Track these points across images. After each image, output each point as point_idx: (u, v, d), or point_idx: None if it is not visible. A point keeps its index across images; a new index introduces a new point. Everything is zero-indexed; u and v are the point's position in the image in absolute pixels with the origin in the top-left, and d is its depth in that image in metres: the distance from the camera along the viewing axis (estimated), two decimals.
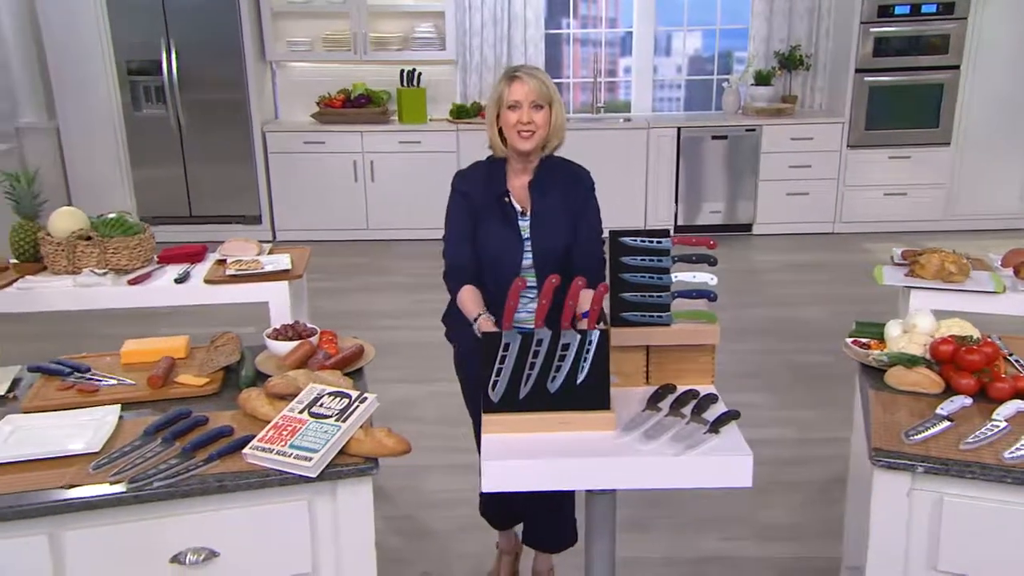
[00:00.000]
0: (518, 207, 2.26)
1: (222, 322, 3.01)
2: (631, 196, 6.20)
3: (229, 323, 3.05)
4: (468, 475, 3.11)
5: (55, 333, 4.29)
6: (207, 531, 1.69)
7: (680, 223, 6.26)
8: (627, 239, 1.99)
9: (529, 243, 2.23)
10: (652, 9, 6.52)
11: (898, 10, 5.83)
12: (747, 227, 6.30)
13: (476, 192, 2.26)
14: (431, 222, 6.12)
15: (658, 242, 1.99)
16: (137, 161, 6.04)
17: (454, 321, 2.34)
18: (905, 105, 6.03)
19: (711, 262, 2.01)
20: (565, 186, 2.28)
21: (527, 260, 2.23)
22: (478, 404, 1.92)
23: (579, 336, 1.84)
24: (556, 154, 2.32)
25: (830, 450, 3.34)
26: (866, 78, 6.00)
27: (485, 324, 2.03)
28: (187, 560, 1.68)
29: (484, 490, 1.76)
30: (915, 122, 6.06)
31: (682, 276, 2.00)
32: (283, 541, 1.73)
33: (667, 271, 1.99)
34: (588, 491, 1.96)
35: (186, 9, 5.73)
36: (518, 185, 2.27)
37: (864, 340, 2.12)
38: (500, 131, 2.24)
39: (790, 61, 6.30)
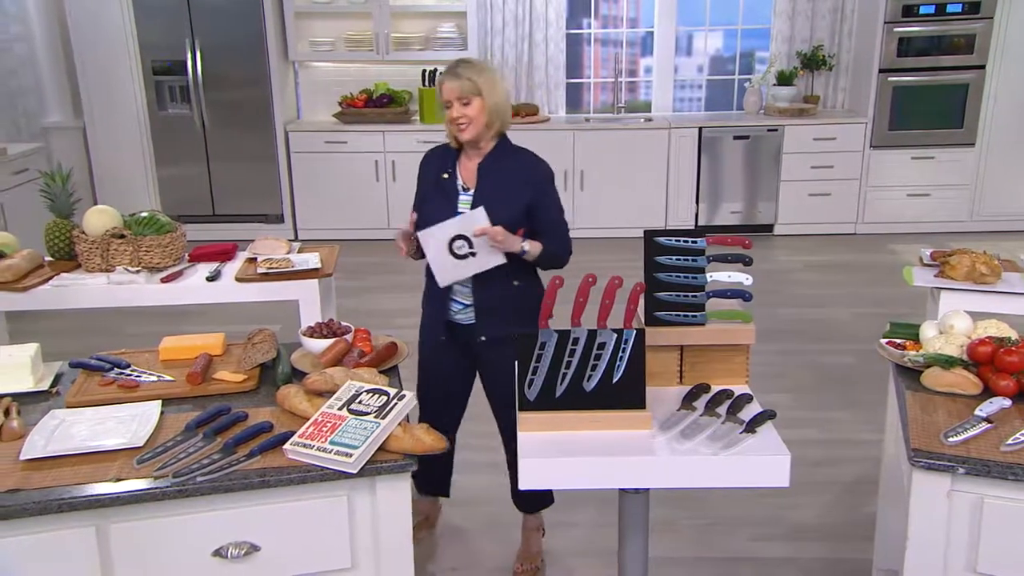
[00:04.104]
0: (462, 185, 2.42)
1: (245, 320, 3.04)
2: (652, 196, 6.20)
3: (252, 321, 3.07)
4: (491, 473, 3.13)
5: (84, 329, 4.34)
6: (248, 525, 1.71)
7: (701, 223, 6.25)
8: (662, 239, 2.00)
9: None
10: (673, 9, 6.51)
11: (923, 10, 5.79)
12: (768, 227, 6.28)
13: (428, 168, 2.50)
14: None
15: (693, 242, 1.99)
16: (162, 160, 6.10)
17: (424, 298, 2.56)
18: (929, 105, 5.99)
19: (746, 262, 2.01)
20: (514, 172, 2.40)
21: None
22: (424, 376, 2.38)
23: (615, 335, 1.85)
24: (522, 146, 2.46)
25: (858, 451, 3.33)
26: (890, 78, 5.96)
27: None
28: (229, 554, 1.71)
29: (522, 487, 1.77)
30: (939, 122, 6.01)
31: (717, 276, 2.00)
32: (322, 536, 1.75)
33: (702, 271, 1.99)
34: (621, 490, 1.96)
35: (211, 9, 5.78)
36: (470, 166, 2.43)
37: (899, 341, 2.12)
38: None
39: (813, 61, 6.27)
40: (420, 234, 2.32)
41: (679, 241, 1.99)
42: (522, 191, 2.38)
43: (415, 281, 5.19)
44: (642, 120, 6.39)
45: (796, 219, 6.21)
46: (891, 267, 5.57)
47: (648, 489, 1.96)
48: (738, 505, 2.94)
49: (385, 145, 6.07)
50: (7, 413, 1.86)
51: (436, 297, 2.48)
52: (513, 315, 2.31)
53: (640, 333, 1.85)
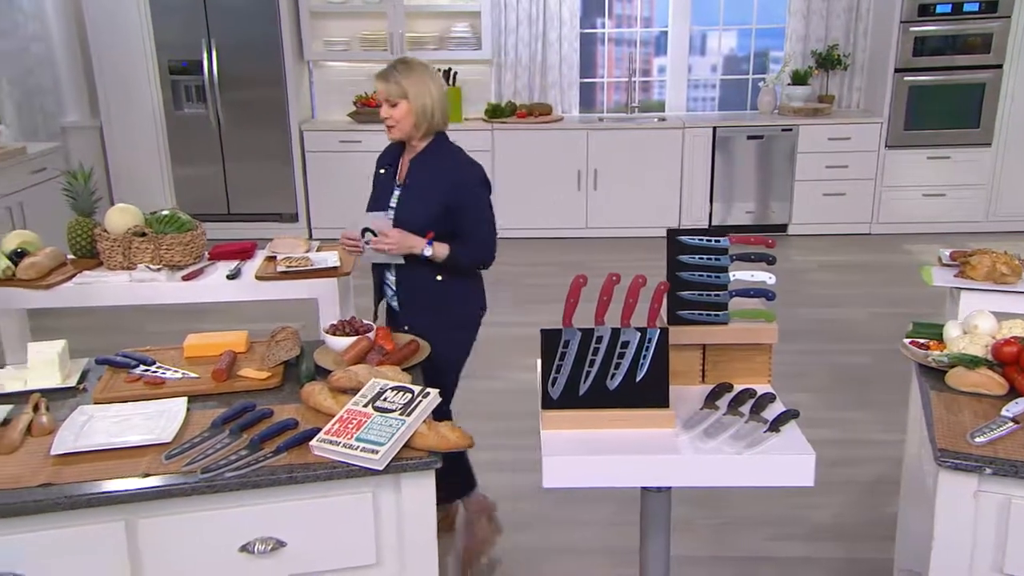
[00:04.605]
0: (398, 180, 2.54)
1: (261, 318, 3.05)
2: (665, 196, 6.19)
3: (268, 319, 3.09)
4: (514, 471, 3.14)
5: (105, 327, 4.37)
6: (275, 521, 1.72)
7: (715, 223, 6.24)
8: (685, 237, 2.00)
9: (393, 212, 2.51)
10: (687, 8, 6.50)
11: (939, 9, 5.77)
12: (782, 227, 6.26)
13: (379, 163, 2.64)
14: None
15: (716, 241, 1.99)
16: (178, 159, 6.13)
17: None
18: (945, 105, 5.96)
19: (769, 261, 2.01)
20: (441, 172, 2.46)
21: (390, 222, 2.49)
22: None
23: (639, 334, 1.85)
24: (459, 147, 2.53)
25: (875, 451, 3.32)
26: (905, 77, 5.94)
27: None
28: (255, 549, 1.72)
29: (546, 486, 1.77)
30: (955, 122, 5.99)
31: (740, 275, 2.00)
32: (348, 532, 1.76)
33: (725, 270, 2.00)
34: (643, 489, 1.97)
35: (227, 9, 5.81)
36: (405, 162, 2.54)
37: (922, 341, 2.11)
38: None
39: (827, 61, 6.26)
40: (358, 215, 2.53)
41: (702, 240, 1.99)
42: (444, 191, 2.44)
43: None
44: (656, 120, 6.38)
45: (810, 219, 6.20)
46: (906, 267, 5.55)
47: (670, 488, 1.96)
48: (755, 505, 2.94)
49: None
50: (36, 409, 1.88)
51: (376, 282, 2.66)
52: (434, 309, 2.47)
53: (664, 332, 1.85)
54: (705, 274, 1.99)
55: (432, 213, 2.44)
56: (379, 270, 2.63)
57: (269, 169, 6.14)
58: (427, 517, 1.79)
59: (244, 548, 1.71)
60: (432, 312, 2.49)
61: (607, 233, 6.23)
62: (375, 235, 2.45)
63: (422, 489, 1.77)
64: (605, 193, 6.18)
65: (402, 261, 2.49)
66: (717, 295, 2.00)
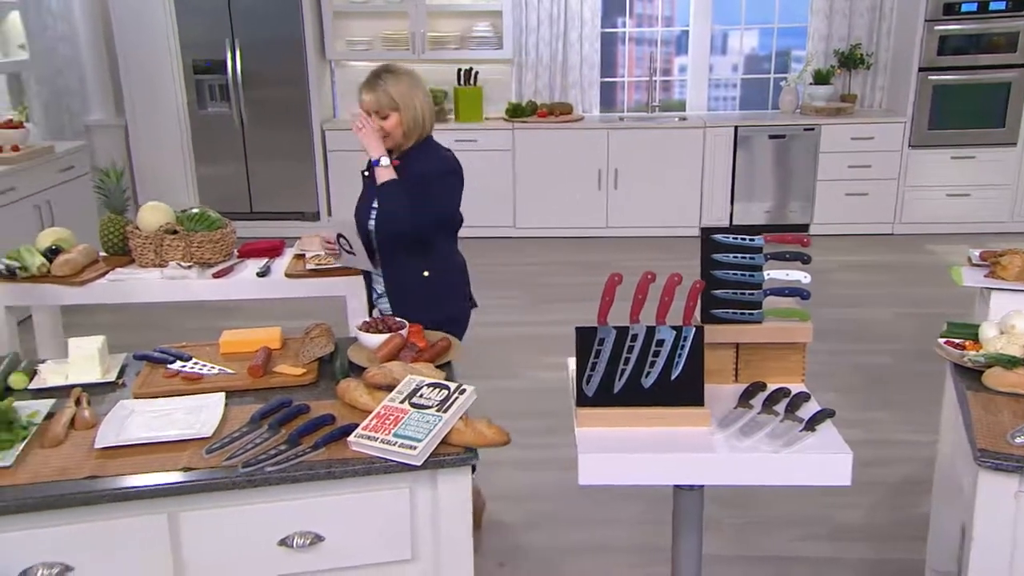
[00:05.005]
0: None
1: (279, 316, 3.05)
2: (686, 196, 6.18)
3: (292, 317, 3.11)
4: (535, 470, 3.15)
5: (133, 324, 4.42)
6: (313, 516, 1.74)
7: (735, 223, 6.22)
8: (720, 236, 2.00)
9: (375, 212, 2.53)
10: (709, 8, 6.48)
11: (964, 8, 5.72)
12: (804, 227, 6.23)
13: (368, 168, 2.61)
14: (487, 219, 6.22)
15: (751, 239, 1.99)
16: (201, 158, 6.19)
17: None
18: (970, 104, 5.92)
19: (804, 260, 2.01)
20: (414, 169, 2.46)
21: (372, 222, 2.55)
22: None
23: (674, 332, 1.86)
24: (438, 144, 2.55)
25: (902, 451, 3.31)
26: (929, 77, 5.90)
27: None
28: (294, 543, 1.73)
29: (582, 483, 1.78)
30: (980, 122, 5.94)
31: (775, 274, 2.00)
32: (385, 528, 1.77)
33: (759, 268, 2.00)
34: (676, 487, 1.97)
35: (251, 9, 5.85)
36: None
37: (957, 341, 2.10)
38: None
39: (850, 60, 6.22)
40: (331, 220, 2.61)
41: (737, 239, 1.99)
42: (414, 185, 2.45)
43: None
44: (677, 119, 6.37)
45: (833, 219, 6.16)
46: (930, 268, 5.52)
47: (703, 486, 1.97)
48: (782, 504, 2.94)
49: None
50: (78, 403, 1.91)
51: (366, 284, 2.70)
52: (424, 304, 2.46)
53: (699, 330, 1.85)
54: (739, 273, 1.99)
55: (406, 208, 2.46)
56: (367, 274, 2.69)
57: (291, 168, 6.18)
58: (463, 513, 1.80)
59: (283, 542, 1.73)
60: (424, 310, 2.43)
61: (627, 233, 6.22)
62: (348, 242, 2.51)
63: (458, 485, 1.78)
64: (625, 193, 6.17)
65: (370, 268, 2.55)
66: (751, 294, 2.00)
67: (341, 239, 2.55)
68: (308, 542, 1.74)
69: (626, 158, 6.12)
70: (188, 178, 6.22)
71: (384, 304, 2.66)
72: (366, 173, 2.61)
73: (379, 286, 2.67)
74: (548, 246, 6.11)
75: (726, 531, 2.83)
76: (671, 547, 2.05)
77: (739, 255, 1.99)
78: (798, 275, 1.99)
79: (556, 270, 5.64)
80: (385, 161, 2.43)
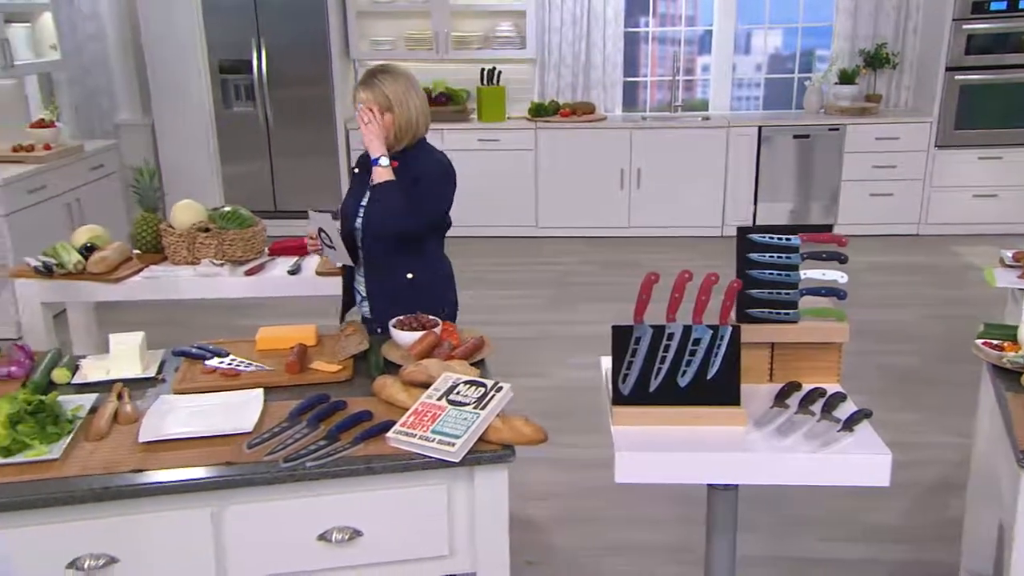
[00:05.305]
0: (371, 181, 2.49)
1: (296, 314, 3.04)
2: (709, 195, 6.16)
3: (307, 316, 3.08)
4: (563, 468, 3.16)
5: (161, 321, 4.47)
6: (352, 511, 1.75)
7: (759, 223, 6.20)
8: (756, 235, 2.00)
9: (363, 209, 2.50)
10: (733, 7, 6.46)
11: (993, 6, 5.67)
12: (828, 228, 6.19)
13: (357, 164, 2.62)
14: (509, 219, 6.23)
15: (787, 239, 1.99)
16: (226, 156, 6.24)
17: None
18: (998, 104, 5.86)
19: (841, 260, 2.00)
20: (408, 169, 2.43)
21: (359, 221, 2.52)
22: None
23: (710, 331, 1.86)
24: (433, 146, 2.54)
25: (931, 453, 3.28)
26: (956, 76, 5.84)
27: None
28: (333, 538, 1.75)
29: (618, 480, 1.79)
30: (1008, 122, 5.88)
31: (811, 273, 2.00)
32: (422, 523, 1.79)
33: (796, 268, 1.99)
34: (710, 487, 1.97)
35: (276, 9, 5.90)
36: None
37: (995, 342, 2.09)
38: None
39: (876, 59, 6.18)
40: (312, 214, 2.59)
41: (773, 238, 1.99)
42: (406, 188, 2.42)
43: (471, 278, 5.20)
44: (700, 119, 6.35)
45: (857, 219, 6.12)
46: (955, 269, 5.47)
47: (738, 486, 1.96)
48: (811, 505, 2.93)
49: (443, 143, 6.12)
50: (120, 397, 1.94)
51: (346, 286, 2.67)
52: (405, 307, 2.35)
53: (736, 330, 1.85)
54: (775, 272, 1.99)
55: (394, 209, 2.43)
56: (349, 276, 2.64)
57: (315, 166, 6.22)
58: (500, 510, 1.81)
59: (322, 537, 1.75)
60: (409, 311, 2.35)
61: (649, 232, 6.21)
62: (328, 236, 2.50)
63: (496, 482, 1.79)
64: (648, 192, 6.16)
65: (348, 262, 2.53)
66: (787, 293, 1.99)
67: (322, 233, 2.52)
68: (347, 537, 1.75)
69: (649, 158, 6.11)
70: (214, 176, 6.27)
71: (365, 309, 2.60)
72: (356, 170, 2.60)
73: (363, 288, 2.61)
74: (570, 245, 6.12)
75: (756, 531, 2.82)
76: (704, 547, 2.05)
77: (775, 254, 1.99)
78: (835, 275, 1.99)
79: (578, 269, 5.65)
80: (385, 161, 2.39)
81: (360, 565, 1.79)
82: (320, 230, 2.54)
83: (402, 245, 2.48)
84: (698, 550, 2.71)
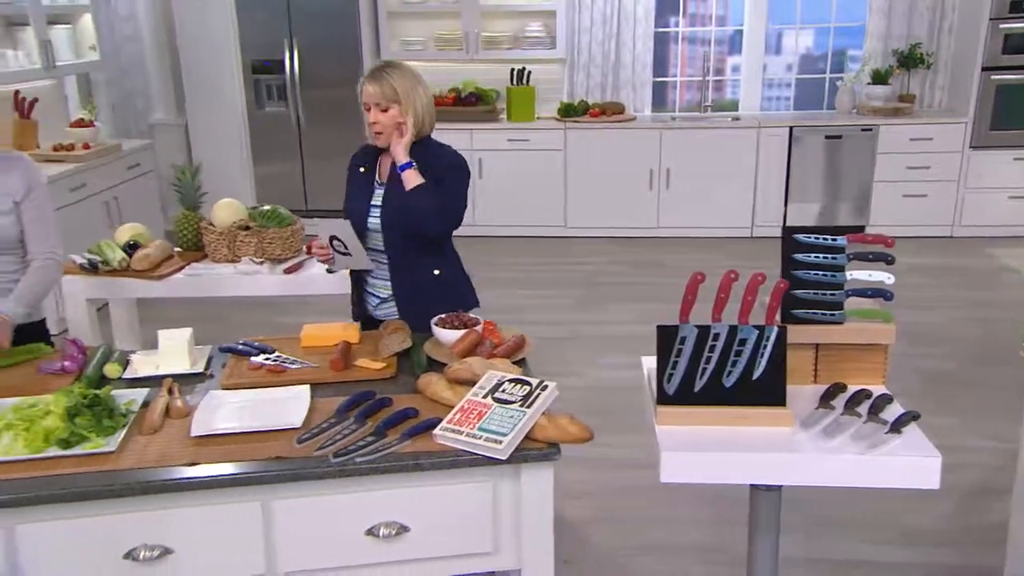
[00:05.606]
0: (378, 179, 2.53)
1: (331, 312, 3.05)
2: (738, 196, 6.13)
3: (342, 314, 3.10)
4: (597, 468, 3.16)
5: (192, 317, 4.52)
6: (399, 507, 1.77)
7: (789, 224, 6.15)
8: (802, 236, 1.99)
9: (379, 211, 2.47)
10: (764, 7, 6.42)
11: None
12: (859, 229, 6.11)
13: (354, 165, 2.64)
14: (538, 219, 6.25)
15: (833, 239, 1.98)
16: (259, 156, 6.31)
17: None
18: None
19: (888, 260, 1.99)
20: (421, 166, 2.42)
21: (374, 221, 2.49)
22: None
23: (756, 332, 1.85)
24: (439, 142, 2.53)
25: (969, 457, 3.25)
26: (992, 76, 5.77)
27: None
28: (381, 533, 1.77)
29: (664, 480, 1.79)
30: None
31: (857, 274, 1.99)
32: (467, 520, 1.80)
33: (841, 269, 1.98)
34: (752, 488, 1.97)
35: (309, 10, 5.95)
36: (387, 162, 2.52)
37: None
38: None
39: (910, 59, 6.11)
40: (316, 223, 2.55)
41: (819, 238, 1.98)
42: (427, 176, 2.41)
43: (500, 278, 5.21)
44: (729, 119, 6.32)
45: (889, 221, 6.05)
46: (990, 271, 5.40)
47: (781, 487, 1.96)
48: (848, 508, 2.91)
49: (473, 143, 6.15)
50: (170, 392, 1.97)
51: (355, 291, 2.63)
52: (435, 304, 2.37)
53: (782, 331, 1.85)
54: (821, 272, 1.98)
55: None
56: (359, 281, 2.59)
57: (346, 166, 6.25)
58: (545, 508, 1.82)
59: (370, 532, 1.77)
60: (435, 306, 2.36)
61: (678, 233, 6.19)
62: (343, 243, 2.43)
63: (541, 480, 1.80)
64: (677, 193, 6.15)
65: (369, 266, 2.48)
66: (833, 294, 1.98)
67: (334, 241, 2.46)
68: (394, 532, 1.77)
69: (678, 158, 6.09)
70: (246, 175, 6.34)
71: (388, 309, 2.55)
72: (362, 169, 2.56)
73: (382, 291, 2.55)
74: (598, 246, 6.11)
75: (792, 533, 2.81)
76: (747, 548, 2.05)
77: (820, 255, 1.98)
78: (881, 276, 1.98)
79: (607, 270, 5.64)
80: (413, 165, 2.39)
81: (406, 560, 1.80)
82: (333, 238, 2.45)
83: (427, 243, 2.49)
84: (729, 550, 2.71)
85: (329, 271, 2.88)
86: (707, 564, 2.69)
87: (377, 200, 2.50)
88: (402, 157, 2.39)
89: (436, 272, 2.51)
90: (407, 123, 2.41)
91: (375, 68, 2.44)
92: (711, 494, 2.90)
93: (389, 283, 2.53)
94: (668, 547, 2.78)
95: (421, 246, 2.49)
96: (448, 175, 2.46)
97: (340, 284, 3.04)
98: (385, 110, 2.39)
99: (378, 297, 2.56)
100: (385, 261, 2.53)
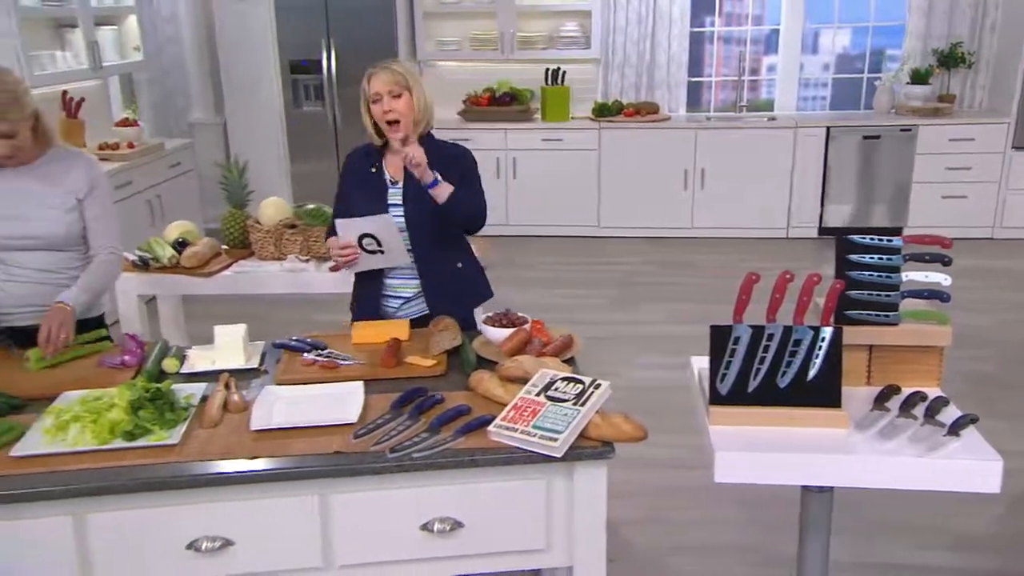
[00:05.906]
0: (390, 179, 2.50)
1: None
2: (774, 197, 6.09)
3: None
4: (637, 468, 3.15)
5: (234, 315, 4.58)
6: (454, 502, 1.79)
7: (825, 226, 6.09)
8: (857, 237, 1.98)
9: (401, 209, 2.45)
10: (801, 6, 6.37)
11: None
12: (898, 231, 6.04)
13: (353, 167, 2.58)
14: (571, 218, 6.25)
15: (888, 240, 1.97)
16: (296, 155, 6.37)
17: (354, 293, 2.66)
18: None
19: (945, 262, 1.97)
20: (441, 165, 2.40)
21: (398, 221, 2.44)
22: None
23: (811, 333, 1.85)
24: (440, 139, 2.53)
25: (1018, 462, 3.19)
26: None
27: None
28: (435, 528, 1.79)
29: (718, 480, 1.79)
30: None
31: (913, 275, 1.97)
32: (521, 517, 1.81)
33: (897, 270, 1.97)
34: (804, 489, 1.96)
35: (346, 11, 6.00)
36: (396, 161, 2.47)
37: None
38: (375, 124, 2.47)
39: (950, 59, 6.02)
40: (339, 222, 2.45)
41: (874, 239, 1.97)
42: (447, 178, 2.39)
43: (533, 278, 5.17)
44: (765, 119, 6.28)
45: (929, 222, 5.97)
46: None
47: (833, 489, 1.95)
48: (897, 511, 2.88)
49: (507, 143, 6.17)
50: (227, 387, 2.00)
51: (366, 295, 2.56)
52: (459, 295, 2.46)
53: (838, 332, 1.84)
54: (875, 273, 1.97)
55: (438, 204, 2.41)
56: (375, 283, 2.53)
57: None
58: (598, 506, 1.83)
59: (424, 527, 1.78)
60: (460, 297, 2.40)
61: (713, 233, 6.16)
62: (377, 240, 2.37)
63: (595, 479, 1.81)
64: (712, 193, 6.11)
65: (406, 262, 2.44)
66: (888, 295, 1.97)
67: (364, 239, 2.39)
68: (448, 528, 1.79)
69: (713, 158, 6.06)
70: (283, 175, 6.40)
71: (413, 308, 2.53)
72: (372, 169, 2.51)
73: (404, 291, 2.53)
74: (632, 246, 6.10)
75: (840, 536, 2.78)
76: (797, 550, 2.04)
77: (875, 256, 1.97)
78: (938, 277, 1.96)
79: (641, 270, 5.63)
80: (439, 180, 2.36)
81: (460, 556, 1.82)
82: (364, 236, 2.38)
83: (449, 236, 2.50)
84: (764, 551, 2.70)
85: (332, 270, 2.89)
86: (748, 565, 2.68)
87: (395, 199, 2.47)
88: (428, 176, 2.35)
89: (459, 265, 2.53)
90: (411, 141, 2.39)
91: (376, 66, 2.45)
92: (752, 495, 2.88)
93: (413, 282, 2.52)
94: (709, 547, 2.77)
95: (447, 241, 2.51)
96: (465, 170, 2.49)
97: None
98: (398, 96, 2.38)
99: (401, 297, 2.54)
100: (412, 268, 2.50)
